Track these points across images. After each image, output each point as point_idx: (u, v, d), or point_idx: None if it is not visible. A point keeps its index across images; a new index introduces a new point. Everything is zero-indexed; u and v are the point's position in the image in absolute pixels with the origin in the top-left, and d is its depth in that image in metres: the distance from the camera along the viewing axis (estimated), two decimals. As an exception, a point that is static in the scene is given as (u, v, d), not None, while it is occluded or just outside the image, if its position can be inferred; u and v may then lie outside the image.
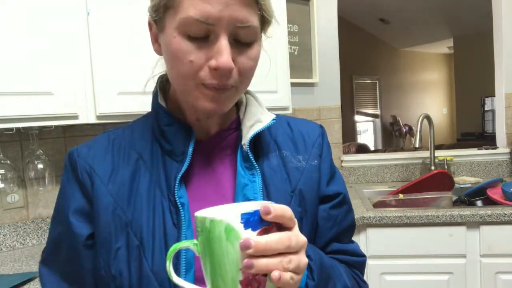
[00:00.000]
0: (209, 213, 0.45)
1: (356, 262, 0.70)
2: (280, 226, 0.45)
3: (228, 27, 0.54)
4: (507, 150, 2.36)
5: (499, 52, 2.43)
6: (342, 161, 2.49)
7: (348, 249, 0.69)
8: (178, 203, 0.58)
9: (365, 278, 1.84)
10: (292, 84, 2.02)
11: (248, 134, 0.63)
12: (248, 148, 0.62)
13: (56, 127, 1.55)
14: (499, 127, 2.49)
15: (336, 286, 0.60)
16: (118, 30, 1.38)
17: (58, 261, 0.64)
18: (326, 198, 0.68)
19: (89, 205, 0.62)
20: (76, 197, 0.63)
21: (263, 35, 0.63)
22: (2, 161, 1.47)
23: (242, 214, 0.42)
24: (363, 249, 1.76)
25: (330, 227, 0.67)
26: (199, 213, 0.46)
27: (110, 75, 1.37)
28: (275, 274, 0.42)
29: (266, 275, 0.43)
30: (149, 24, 0.61)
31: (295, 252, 0.45)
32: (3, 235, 1.52)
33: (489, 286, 1.68)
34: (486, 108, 7.51)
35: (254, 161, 0.62)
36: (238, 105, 0.70)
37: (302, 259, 0.46)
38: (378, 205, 1.94)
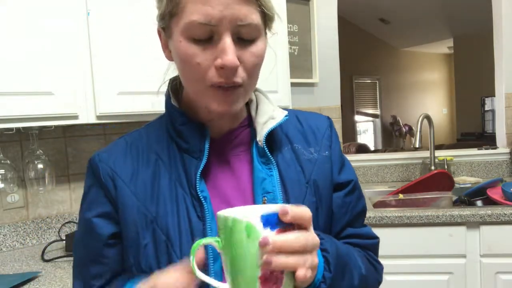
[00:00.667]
0: (231, 213, 0.48)
1: (370, 244, 0.74)
2: (298, 227, 0.48)
3: (230, 26, 0.56)
4: (507, 150, 2.36)
5: (499, 52, 2.43)
6: (342, 161, 2.48)
7: (361, 233, 0.73)
8: (201, 197, 0.61)
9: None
10: (292, 84, 2.02)
11: (262, 131, 0.66)
12: (264, 144, 0.65)
13: (56, 127, 1.55)
14: (499, 127, 2.49)
15: (353, 275, 0.62)
16: (118, 30, 1.38)
17: (86, 269, 0.66)
18: (338, 186, 0.71)
19: (113, 208, 0.65)
20: (100, 200, 0.66)
21: (268, 32, 0.65)
22: (2, 161, 1.47)
23: (262, 215, 0.46)
24: (363, 249, 1.75)
25: (344, 214, 0.71)
26: (222, 213, 0.49)
27: (110, 75, 1.37)
28: (301, 272, 0.46)
29: (283, 272, 0.46)
30: (158, 32, 0.64)
31: (310, 251, 0.48)
32: (3, 235, 1.52)
33: (489, 286, 1.68)
34: (486, 108, 7.51)
35: (270, 156, 0.65)
36: (248, 103, 0.73)
37: (315, 259, 0.49)
38: (378, 205, 1.94)
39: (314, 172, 0.68)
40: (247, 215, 0.46)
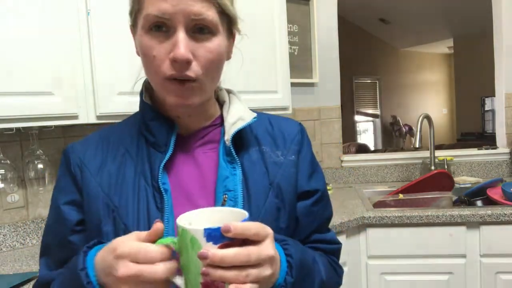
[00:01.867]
0: (185, 219, 0.53)
1: (335, 249, 0.78)
2: (246, 241, 0.50)
3: (184, 20, 0.58)
4: (507, 150, 2.36)
5: (499, 52, 2.43)
6: (342, 161, 2.49)
7: (327, 239, 0.76)
8: (162, 189, 0.64)
9: (365, 278, 1.85)
10: (292, 84, 2.02)
11: (230, 130, 0.68)
12: (231, 143, 0.67)
13: (56, 127, 1.54)
14: (499, 127, 2.49)
15: (314, 281, 0.65)
16: (118, 30, 1.37)
17: (52, 249, 0.70)
18: (305, 194, 0.73)
19: (79, 196, 0.68)
20: (68, 189, 0.69)
21: (237, 33, 0.69)
22: (2, 161, 1.47)
23: (205, 229, 0.48)
24: (363, 249, 1.76)
25: (311, 222, 0.73)
26: (180, 218, 0.52)
27: (110, 75, 1.37)
28: (235, 287, 0.48)
29: (224, 282, 0.49)
30: (131, 30, 0.68)
31: (256, 265, 0.50)
32: (3, 235, 1.52)
33: (489, 286, 1.68)
34: (486, 108, 7.52)
35: (235, 155, 0.67)
36: (221, 104, 0.75)
37: (263, 272, 0.51)
38: (378, 205, 1.94)
39: (278, 175, 0.70)
40: (194, 228, 0.49)
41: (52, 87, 1.28)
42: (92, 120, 1.37)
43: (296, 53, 2.34)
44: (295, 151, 0.73)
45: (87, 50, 1.34)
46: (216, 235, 0.48)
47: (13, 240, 1.54)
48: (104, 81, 1.36)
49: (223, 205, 0.64)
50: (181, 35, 0.58)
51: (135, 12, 0.63)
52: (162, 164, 0.65)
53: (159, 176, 0.64)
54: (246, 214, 0.53)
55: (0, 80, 1.20)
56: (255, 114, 0.71)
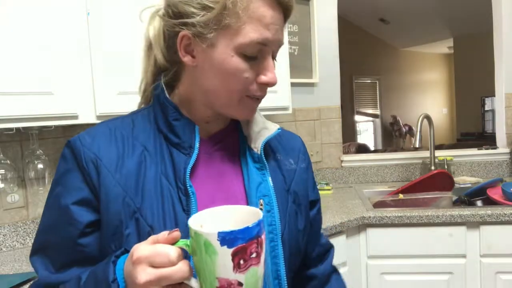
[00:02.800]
0: (197, 221, 0.52)
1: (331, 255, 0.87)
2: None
3: (275, 47, 0.65)
4: (507, 150, 2.36)
5: (499, 52, 2.43)
6: (342, 161, 2.49)
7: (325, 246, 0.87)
8: (190, 192, 0.63)
9: (365, 278, 1.85)
10: (292, 84, 2.02)
11: (258, 139, 0.71)
12: (262, 151, 0.70)
13: (56, 127, 1.55)
14: (499, 127, 2.49)
15: None
16: (118, 30, 1.38)
17: (52, 250, 0.64)
18: (313, 202, 0.81)
19: (92, 194, 0.63)
20: (77, 186, 0.63)
21: None
22: (2, 161, 1.47)
23: (219, 233, 0.47)
24: (363, 249, 1.76)
25: (318, 228, 0.83)
26: (190, 220, 0.52)
27: (110, 75, 1.37)
28: None
29: (242, 284, 0.49)
30: (184, 36, 0.64)
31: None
32: (3, 235, 1.52)
33: (489, 286, 1.68)
34: (486, 108, 7.51)
35: (266, 162, 0.70)
36: None
37: None
38: (378, 205, 1.94)
39: (293, 182, 0.75)
40: (207, 231, 0.48)
41: (52, 87, 1.28)
42: (92, 120, 1.37)
43: (296, 53, 2.34)
44: (304, 160, 0.80)
45: (87, 50, 1.34)
46: (230, 239, 0.47)
47: (13, 240, 1.54)
48: (104, 81, 1.36)
49: (260, 209, 0.65)
50: (271, 61, 0.65)
51: (220, 26, 0.61)
52: (189, 166, 0.64)
53: (187, 178, 0.64)
54: (260, 213, 0.52)
55: (0, 80, 1.20)
56: (278, 126, 0.75)
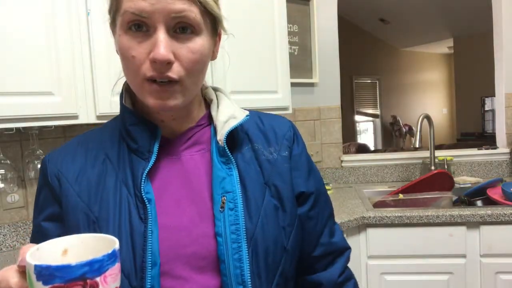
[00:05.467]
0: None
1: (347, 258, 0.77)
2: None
3: (164, 19, 0.56)
4: (507, 150, 2.36)
5: (499, 52, 2.43)
6: (342, 161, 2.49)
7: (337, 246, 0.75)
8: (145, 199, 0.60)
9: (365, 278, 1.85)
10: (292, 84, 2.02)
11: (223, 129, 0.65)
12: (225, 143, 0.64)
13: (56, 127, 1.54)
14: (499, 127, 2.49)
15: None
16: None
17: None
18: (301, 197, 0.70)
19: (59, 207, 0.65)
20: (48, 202, 0.66)
21: (223, 33, 0.67)
22: (2, 161, 1.47)
23: (36, 265, 0.41)
24: (363, 249, 1.76)
25: (315, 225, 0.72)
26: (30, 251, 0.45)
27: (110, 75, 1.37)
28: None
29: None
30: (110, 28, 0.64)
31: None
32: (3, 235, 1.52)
33: (489, 286, 1.68)
34: (486, 108, 7.52)
35: (230, 155, 0.64)
36: (208, 103, 0.72)
37: None
38: (378, 205, 1.94)
39: (273, 174, 0.67)
40: (29, 262, 0.42)
41: (52, 87, 1.28)
42: (92, 120, 1.37)
43: (296, 53, 2.34)
44: (287, 146, 0.71)
45: (87, 50, 1.34)
46: (46, 275, 0.41)
47: (13, 240, 1.54)
48: (104, 81, 1.36)
49: (222, 207, 0.62)
50: (161, 35, 0.56)
51: (114, 10, 0.60)
52: (145, 172, 0.61)
53: (142, 185, 0.61)
54: (116, 242, 0.45)
55: (0, 80, 1.20)
56: (247, 112, 0.69)
